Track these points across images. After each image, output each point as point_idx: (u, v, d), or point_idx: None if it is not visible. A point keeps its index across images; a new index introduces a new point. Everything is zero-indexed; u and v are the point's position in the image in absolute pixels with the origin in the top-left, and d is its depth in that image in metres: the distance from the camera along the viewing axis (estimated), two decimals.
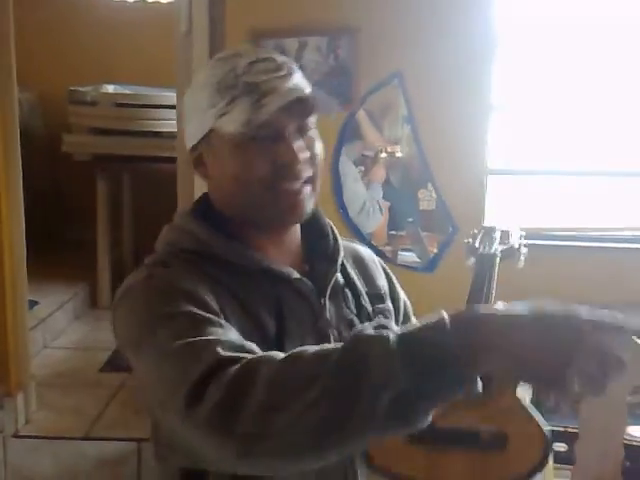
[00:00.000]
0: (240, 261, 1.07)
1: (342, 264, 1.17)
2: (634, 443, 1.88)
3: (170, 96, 3.49)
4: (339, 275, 1.16)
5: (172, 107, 3.34)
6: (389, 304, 1.23)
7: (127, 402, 2.89)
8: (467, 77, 2.63)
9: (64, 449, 2.60)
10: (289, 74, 1.05)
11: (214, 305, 0.98)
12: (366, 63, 2.62)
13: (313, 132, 1.08)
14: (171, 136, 3.38)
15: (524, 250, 1.28)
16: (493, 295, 1.15)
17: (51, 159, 4.30)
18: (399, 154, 2.68)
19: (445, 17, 2.61)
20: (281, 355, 0.83)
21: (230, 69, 1.04)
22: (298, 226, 1.15)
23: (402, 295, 1.29)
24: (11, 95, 2.63)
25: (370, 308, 1.18)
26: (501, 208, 2.85)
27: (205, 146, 1.08)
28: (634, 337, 0.75)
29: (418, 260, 2.74)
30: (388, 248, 2.72)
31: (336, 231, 1.19)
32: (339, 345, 0.80)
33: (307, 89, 1.07)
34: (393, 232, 2.73)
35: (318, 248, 1.17)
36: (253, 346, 0.90)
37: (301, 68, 1.09)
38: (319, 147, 1.09)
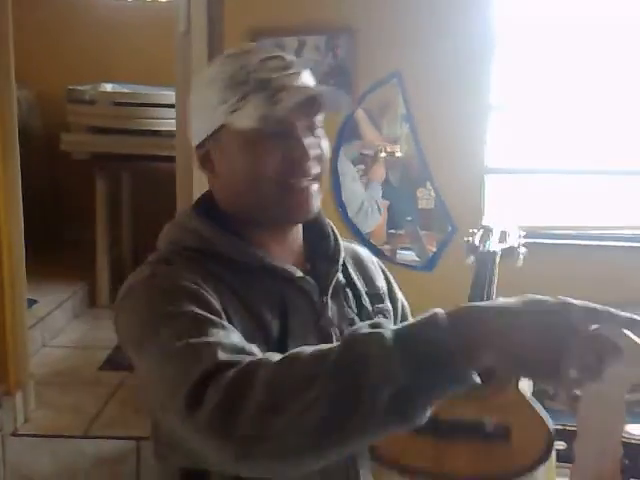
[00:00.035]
0: (243, 259, 1.07)
1: (343, 264, 1.18)
2: (633, 441, 1.88)
3: (169, 95, 3.49)
4: (340, 275, 1.16)
5: (171, 106, 3.33)
6: (388, 304, 1.24)
7: (126, 401, 2.90)
8: (466, 76, 2.64)
9: (63, 447, 2.60)
10: (298, 72, 1.06)
11: (216, 305, 0.98)
12: (365, 62, 2.63)
13: (320, 130, 1.09)
14: (170, 135, 3.38)
15: (523, 250, 1.28)
16: (494, 293, 1.16)
17: (50, 158, 4.30)
18: (399, 154, 2.68)
19: (444, 16, 2.61)
20: (279, 356, 0.83)
21: (241, 66, 1.05)
22: (300, 226, 1.15)
23: (400, 296, 1.29)
24: (9, 94, 2.63)
25: (370, 308, 1.19)
26: (500, 207, 2.86)
27: (213, 143, 1.08)
28: (630, 333, 0.75)
29: (417, 259, 2.74)
30: (387, 247, 2.73)
31: (337, 232, 1.20)
32: (335, 345, 0.80)
33: (319, 87, 1.08)
34: (392, 231, 2.73)
35: (319, 248, 1.17)
36: (254, 348, 0.90)
37: None
38: (326, 145, 1.09)
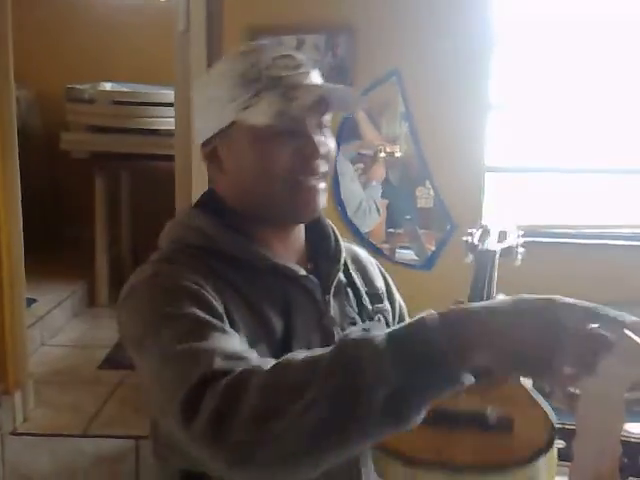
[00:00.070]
0: (247, 257, 1.07)
1: (344, 264, 1.18)
2: (632, 440, 1.88)
3: (168, 94, 3.49)
4: (341, 275, 1.17)
5: (170, 105, 3.33)
6: (387, 304, 1.24)
7: (125, 400, 2.90)
8: (465, 75, 2.64)
9: (62, 446, 2.60)
10: (309, 71, 1.07)
11: (218, 306, 0.98)
12: (364, 61, 2.63)
13: (328, 129, 1.09)
14: (169, 134, 3.38)
15: (521, 250, 1.29)
16: (494, 292, 1.16)
17: (49, 157, 4.30)
18: (398, 154, 2.68)
19: (443, 15, 2.61)
20: (272, 362, 0.83)
21: (252, 63, 1.05)
22: (302, 225, 1.15)
23: (398, 297, 1.29)
24: (9, 93, 2.62)
25: (370, 307, 1.19)
26: (499, 206, 2.86)
27: (221, 139, 1.08)
28: (630, 333, 0.75)
29: (416, 258, 2.74)
30: (386, 246, 2.73)
31: (337, 232, 1.20)
32: (327, 350, 0.80)
33: (334, 86, 1.09)
34: (391, 230, 2.73)
35: (320, 248, 1.17)
36: (252, 353, 0.90)
37: None
38: (333, 144, 1.10)
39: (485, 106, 2.71)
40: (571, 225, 2.86)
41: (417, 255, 2.74)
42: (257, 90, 1.03)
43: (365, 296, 1.20)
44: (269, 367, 0.82)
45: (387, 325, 1.21)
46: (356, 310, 1.17)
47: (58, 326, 3.61)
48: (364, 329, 0.80)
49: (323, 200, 1.09)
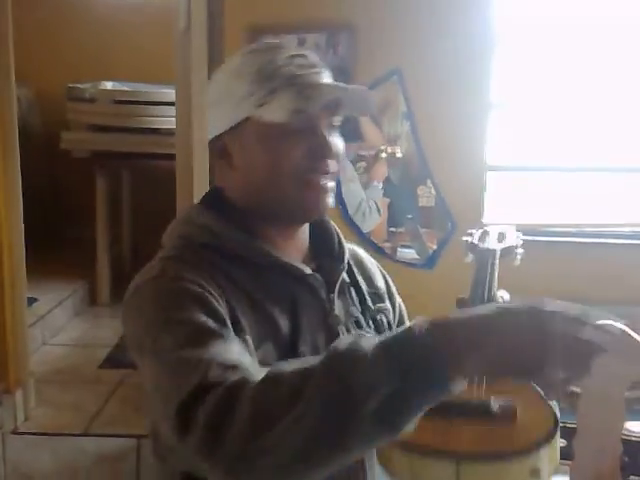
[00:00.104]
0: (253, 255, 1.07)
1: (347, 263, 1.18)
2: (633, 438, 1.88)
3: (169, 93, 3.49)
4: (345, 274, 1.17)
5: (171, 104, 3.33)
6: (388, 304, 1.25)
7: (126, 399, 2.90)
8: (466, 74, 2.64)
9: (63, 445, 2.60)
10: (323, 71, 1.07)
11: (222, 310, 0.97)
12: (365, 60, 2.63)
13: (337, 130, 1.10)
14: (170, 133, 3.37)
15: (520, 250, 1.30)
16: (495, 291, 1.17)
17: (50, 156, 4.30)
18: (399, 155, 2.69)
19: (444, 14, 2.61)
20: (263, 373, 0.83)
21: (268, 61, 1.06)
22: (307, 225, 1.15)
23: (397, 298, 1.30)
24: (9, 92, 2.62)
25: (373, 307, 1.19)
26: (500, 205, 2.86)
27: (232, 136, 1.08)
28: (630, 330, 0.75)
29: (417, 257, 2.74)
30: (387, 245, 2.73)
31: (340, 233, 1.20)
32: (317, 360, 0.80)
33: (351, 86, 1.10)
34: (392, 229, 2.73)
35: (323, 248, 1.17)
36: (249, 362, 0.90)
37: None
38: (342, 144, 1.10)
39: (486, 105, 2.71)
40: (571, 224, 2.86)
41: (418, 254, 2.74)
42: (273, 87, 1.04)
43: (367, 296, 1.20)
44: (261, 378, 0.82)
45: (388, 325, 1.22)
46: (359, 309, 1.17)
47: (59, 325, 3.61)
48: (353, 339, 0.81)
49: (331, 199, 1.10)
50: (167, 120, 3.63)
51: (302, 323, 1.06)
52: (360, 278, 1.21)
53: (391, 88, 2.63)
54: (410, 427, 0.77)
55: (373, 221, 2.72)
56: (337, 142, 1.09)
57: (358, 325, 1.15)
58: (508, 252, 1.27)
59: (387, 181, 2.70)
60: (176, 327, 0.93)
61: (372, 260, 1.30)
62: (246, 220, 1.10)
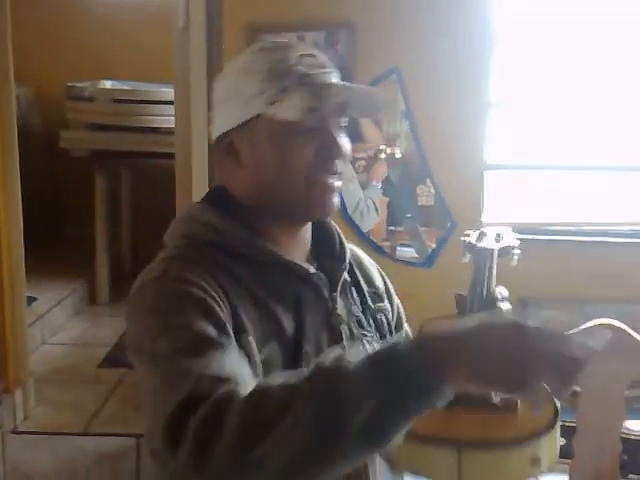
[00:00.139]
0: (257, 253, 1.07)
1: (349, 263, 1.18)
2: (632, 437, 1.88)
3: (168, 92, 3.48)
4: (346, 274, 1.17)
5: (170, 103, 3.33)
6: (387, 304, 1.25)
7: (126, 398, 2.90)
8: (465, 73, 2.63)
9: (63, 445, 2.60)
10: (332, 72, 1.08)
11: (222, 314, 0.97)
12: (364, 58, 2.62)
13: (344, 130, 1.10)
14: (169, 132, 3.37)
15: (517, 251, 1.32)
16: (494, 290, 1.17)
17: (49, 155, 4.30)
18: (399, 155, 2.69)
19: (443, 13, 2.61)
20: (251, 387, 0.84)
21: (280, 59, 1.06)
22: (310, 224, 1.15)
23: (396, 299, 1.30)
24: (8, 91, 2.62)
25: (373, 306, 1.20)
26: (499, 204, 2.86)
27: (241, 133, 1.08)
28: (630, 330, 0.75)
29: (416, 255, 2.74)
30: (387, 244, 2.73)
31: (341, 233, 1.20)
32: (304, 375, 0.82)
33: (364, 87, 1.12)
34: (392, 228, 2.73)
35: (324, 247, 1.18)
36: (243, 374, 0.90)
37: None
38: (349, 145, 1.11)
39: (485, 104, 2.71)
40: (570, 222, 2.86)
41: (418, 253, 2.74)
42: (284, 86, 1.04)
43: (368, 295, 1.20)
44: (249, 392, 0.83)
45: (388, 324, 1.22)
46: (360, 309, 1.18)
47: (58, 324, 3.61)
48: (338, 353, 0.82)
49: (337, 200, 1.10)
50: (166, 119, 3.63)
51: (306, 322, 1.06)
52: (360, 278, 1.22)
53: (390, 87, 2.63)
54: (398, 439, 0.79)
55: (371, 221, 2.71)
56: (345, 142, 1.09)
57: (360, 324, 1.15)
58: (505, 252, 1.29)
59: (386, 180, 2.70)
60: (175, 332, 0.93)
61: (371, 260, 1.30)
62: (250, 218, 1.10)
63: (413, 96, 2.65)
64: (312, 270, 1.10)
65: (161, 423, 0.86)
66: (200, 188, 2.61)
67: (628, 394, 0.83)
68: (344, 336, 1.10)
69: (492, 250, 1.25)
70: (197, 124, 2.69)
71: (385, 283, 1.28)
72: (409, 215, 2.72)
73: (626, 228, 2.83)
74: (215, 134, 1.11)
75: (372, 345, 1.14)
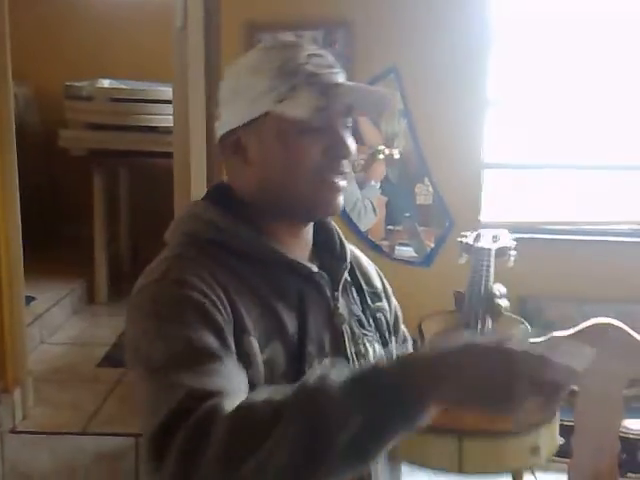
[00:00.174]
0: (260, 252, 1.06)
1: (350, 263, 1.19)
2: (630, 436, 1.88)
3: (166, 91, 3.48)
4: (347, 273, 1.17)
5: (168, 102, 3.33)
6: (385, 303, 1.25)
7: (125, 397, 2.89)
8: (463, 72, 2.63)
9: (62, 444, 2.60)
10: (339, 72, 1.08)
11: (221, 320, 0.97)
12: (362, 57, 2.62)
13: (349, 130, 1.10)
14: (167, 131, 3.37)
15: (514, 252, 1.32)
16: (491, 286, 1.17)
17: (47, 154, 4.29)
18: (397, 156, 2.69)
19: (441, 12, 2.61)
20: (236, 403, 0.84)
21: (289, 57, 1.06)
22: (311, 224, 1.15)
23: (394, 300, 1.30)
24: (7, 91, 2.62)
25: (372, 306, 1.20)
26: (498, 202, 2.86)
27: (248, 130, 1.07)
28: (630, 330, 0.75)
29: (415, 254, 2.74)
30: (385, 243, 2.73)
31: (341, 233, 1.20)
32: (289, 393, 0.82)
33: (375, 88, 1.11)
34: (390, 227, 2.73)
35: (324, 247, 1.18)
36: (233, 387, 0.90)
37: None
38: (355, 146, 1.11)
39: (483, 103, 2.71)
40: (569, 221, 2.86)
41: (416, 252, 2.74)
42: (294, 84, 1.04)
43: (367, 295, 1.20)
44: (234, 410, 0.83)
45: (387, 324, 1.22)
46: (360, 308, 1.18)
47: (57, 324, 3.61)
48: (323, 372, 0.83)
49: (342, 200, 1.10)
50: (165, 118, 3.63)
51: (309, 321, 1.06)
52: (360, 277, 1.22)
53: (388, 86, 2.63)
54: (381, 458, 0.81)
55: (368, 221, 2.72)
56: (352, 143, 1.09)
57: (360, 324, 1.15)
58: (502, 253, 1.29)
59: (385, 179, 2.70)
60: (171, 339, 0.93)
61: (368, 260, 1.30)
62: (253, 216, 1.09)
63: (411, 95, 2.65)
64: (315, 269, 1.10)
65: (147, 436, 0.86)
66: (198, 187, 2.61)
67: (626, 393, 0.83)
68: (346, 336, 1.10)
69: (489, 249, 1.25)
70: (195, 123, 2.69)
71: (383, 283, 1.28)
72: (408, 214, 2.72)
73: (625, 227, 2.84)
74: (221, 131, 1.10)
75: (373, 345, 1.14)
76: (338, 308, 1.11)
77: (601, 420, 0.80)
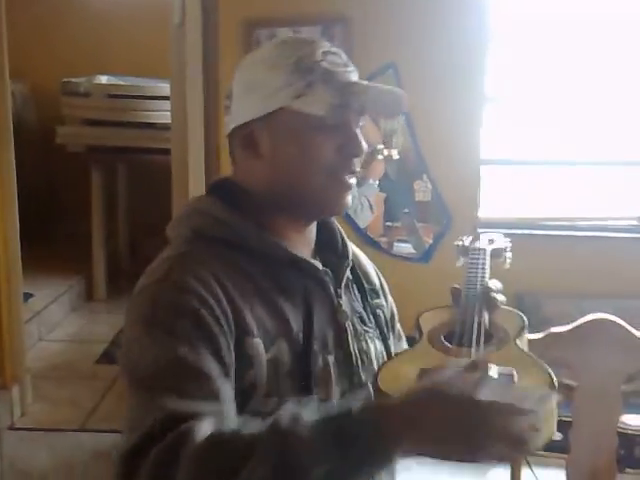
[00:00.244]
0: (265, 248, 1.06)
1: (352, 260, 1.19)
2: (628, 431, 1.89)
3: (164, 87, 3.48)
4: (348, 270, 1.17)
5: (166, 98, 3.33)
6: (383, 300, 1.25)
7: (123, 394, 2.88)
8: (461, 68, 2.63)
9: (60, 441, 2.60)
10: (353, 71, 1.09)
11: (218, 329, 0.96)
12: (360, 53, 2.61)
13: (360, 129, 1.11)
14: (165, 127, 3.37)
15: (509, 254, 1.33)
16: (487, 283, 1.18)
17: (45, 151, 4.29)
18: (396, 157, 2.69)
19: (439, 9, 2.61)
20: (209, 432, 0.84)
21: (306, 54, 1.06)
22: (315, 222, 1.15)
23: (390, 298, 1.30)
24: (4, 87, 2.62)
25: (372, 302, 1.20)
26: (496, 199, 2.86)
27: (262, 124, 1.07)
28: (628, 327, 0.76)
29: (413, 251, 2.74)
30: (384, 239, 2.73)
31: (342, 230, 1.21)
32: (260, 429, 0.83)
33: (391, 88, 1.14)
34: (389, 223, 2.73)
35: (326, 245, 1.18)
36: (212, 410, 0.90)
37: None
38: (366, 145, 1.11)
39: (481, 99, 2.71)
40: (567, 217, 2.86)
41: (415, 248, 2.74)
42: (310, 81, 1.04)
43: (367, 292, 1.21)
44: (203, 443, 0.83)
45: (385, 321, 1.22)
46: (361, 305, 1.18)
47: (55, 321, 3.61)
48: (295, 411, 0.84)
49: (350, 199, 1.11)
50: (162, 114, 3.62)
51: (314, 318, 1.06)
52: (360, 275, 1.22)
53: (387, 82, 2.62)
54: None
55: (365, 218, 2.72)
56: (363, 142, 1.09)
57: (362, 321, 1.15)
58: (498, 254, 1.31)
59: (384, 176, 2.70)
60: (161, 353, 0.93)
61: (366, 258, 1.30)
62: (258, 213, 1.09)
63: (409, 91, 2.62)
64: (320, 267, 1.10)
65: (120, 452, 0.87)
66: (196, 183, 2.61)
67: (624, 389, 0.83)
68: (349, 332, 1.11)
69: (484, 249, 1.27)
70: (193, 119, 2.69)
71: (380, 281, 1.29)
72: (406, 211, 2.72)
73: (623, 223, 2.84)
74: (232, 125, 1.10)
75: (374, 341, 1.15)
76: (341, 305, 1.12)
77: (599, 416, 0.80)
